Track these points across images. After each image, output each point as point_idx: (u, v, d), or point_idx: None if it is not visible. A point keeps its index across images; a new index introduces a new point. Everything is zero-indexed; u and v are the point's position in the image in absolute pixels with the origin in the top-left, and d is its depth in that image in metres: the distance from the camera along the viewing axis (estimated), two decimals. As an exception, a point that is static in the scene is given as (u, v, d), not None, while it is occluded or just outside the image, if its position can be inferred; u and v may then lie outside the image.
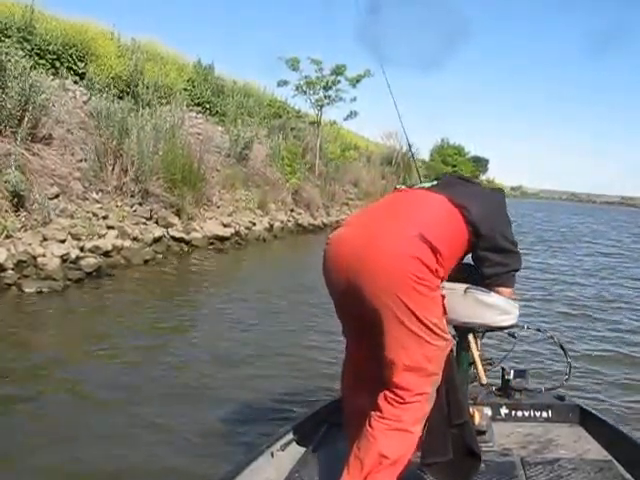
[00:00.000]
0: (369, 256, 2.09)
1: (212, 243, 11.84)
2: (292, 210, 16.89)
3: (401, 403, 2.13)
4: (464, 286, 2.27)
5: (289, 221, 16.12)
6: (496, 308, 2.25)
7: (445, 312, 2.17)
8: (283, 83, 20.58)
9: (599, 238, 23.69)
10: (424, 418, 2.17)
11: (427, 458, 2.30)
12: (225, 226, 12.71)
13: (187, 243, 11.11)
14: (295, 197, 17.39)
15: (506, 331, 2.71)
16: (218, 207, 13.46)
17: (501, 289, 2.36)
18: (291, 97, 21.79)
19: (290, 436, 2.74)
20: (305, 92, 20.45)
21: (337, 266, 2.21)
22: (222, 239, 12.19)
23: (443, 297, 2.16)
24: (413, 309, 2.07)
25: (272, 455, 2.59)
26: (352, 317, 2.29)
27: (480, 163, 61.04)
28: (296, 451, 2.72)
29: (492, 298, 2.26)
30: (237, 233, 12.92)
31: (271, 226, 14.79)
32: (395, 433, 2.13)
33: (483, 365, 3.16)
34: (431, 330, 2.11)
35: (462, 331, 2.55)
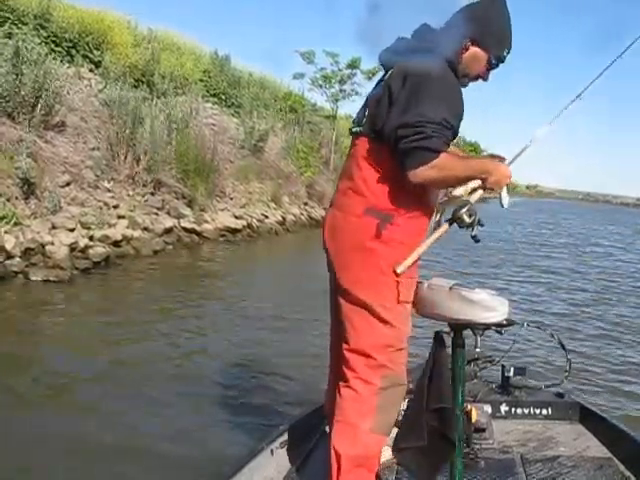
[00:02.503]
0: (333, 247, 2.19)
1: (223, 235, 11.83)
2: (306, 204, 16.85)
3: (345, 387, 2.14)
4: (450, 283, 2.23)
5: (302, 215, 16.07)
6: (480, 304, 2.19)
7: (400, 299, 2.12)
8: (299, 76, 20.53)
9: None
10: (374, 414, 2.11)
11: (400, 442, 2.23)
12: (237, 218, 12.71)
13: (198, 234, 11.11)
14: (309, 191, 17.35)
15: (503, 329, 2.66)
16: (231, 199, 13.45)
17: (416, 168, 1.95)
18: (307, 90, 21.70)
19: (290, 434, 2.72)
20: (321, 86, 20.40)
21: (326, 253, 2.27)
22: (234, 231, 12.19)
23: (398, 283, 2.10)
24: (364, 295, 2.10)
25: (272, 453, 2.57)
26: (334, 310, 2.31)
27: (497, 161, 61.15)
28: (296, 449, 2.69)
29: (477, 295, 2.20)
30: (249, 225, 12.92)
31: (284, 219, 14.77)
32: (341, 426, 2.13)
33: (483, 363, 3.12)
34: (378, 317, 2.10)
35: (456, 328, 2.50)
